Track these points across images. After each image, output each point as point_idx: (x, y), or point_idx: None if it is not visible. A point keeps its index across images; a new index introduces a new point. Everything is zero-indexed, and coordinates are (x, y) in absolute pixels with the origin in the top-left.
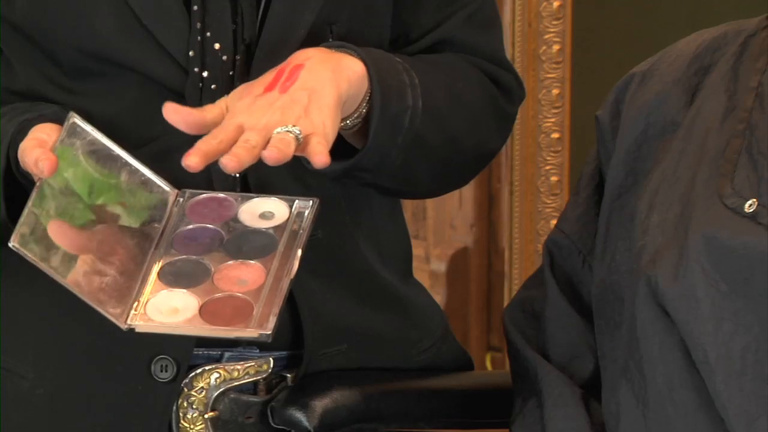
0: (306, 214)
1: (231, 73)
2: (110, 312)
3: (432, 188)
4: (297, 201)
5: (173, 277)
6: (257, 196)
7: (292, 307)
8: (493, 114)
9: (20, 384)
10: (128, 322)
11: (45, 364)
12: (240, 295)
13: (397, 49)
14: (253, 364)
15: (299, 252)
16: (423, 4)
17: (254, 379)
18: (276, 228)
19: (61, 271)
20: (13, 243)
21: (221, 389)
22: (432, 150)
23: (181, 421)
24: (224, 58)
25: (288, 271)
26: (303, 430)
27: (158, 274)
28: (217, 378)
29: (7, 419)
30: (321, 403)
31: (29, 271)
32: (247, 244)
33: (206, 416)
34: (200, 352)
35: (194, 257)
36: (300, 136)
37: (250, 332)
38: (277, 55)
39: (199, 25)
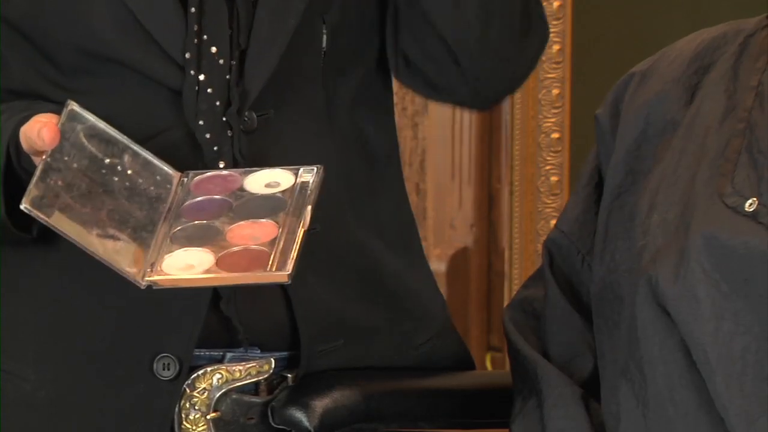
0: (311, 179)
1: (227, 76)
2: (127, 271)
3: (475, 33)
4: (301, 169)
5: (186, 240)
6: (261, 169)
7: (290, 307)
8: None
9: (22, 386)
10: (146, 279)
11: (46, 366)
12: (255, 247)
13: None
14: (254, 364)
15: (310, 207)
16: None
17: (255, 379)
18: (283, 192)
19: (75, 233)
20: (24, 204)
21: (223, 390)
22: None
23: (184, 423)
24: (221, 62)
25: (302, 223)
26: (303, 430)
27: (171, 238)
28: (219, 379)
29: (8, 422)
30: (321, 403)
31: (29, 272)
32: (257, 208)
33: (208, 417)
34: (202, 353)
35: (205, 222)
36: None
37: (269, 275)
38: (269, 51)
39: (196, 27)
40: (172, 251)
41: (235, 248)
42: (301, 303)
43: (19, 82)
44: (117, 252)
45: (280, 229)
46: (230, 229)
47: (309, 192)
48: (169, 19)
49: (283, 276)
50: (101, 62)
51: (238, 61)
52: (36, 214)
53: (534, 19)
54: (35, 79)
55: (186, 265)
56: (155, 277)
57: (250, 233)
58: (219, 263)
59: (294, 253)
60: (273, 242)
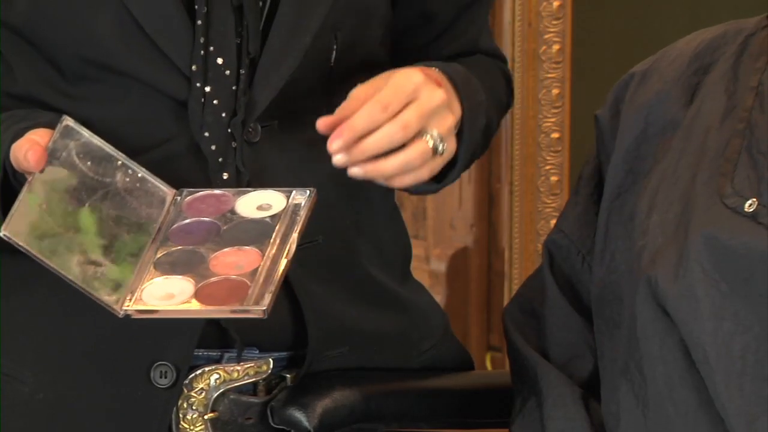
0: (303, 202)
1: (234, 87)
2: (105, 299)
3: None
4: (294, 192)
5: (170, 266)
6: (254, 190)
7: (293, 309)
8: (502, 115)
9: (20, 389)
10: (124, 308)
11: (44, 370)
12: (235, 277)
13: (417, 36)
14: (252, 364)
15: (296, 235)
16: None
17: (254, 379)
18: (273, 217)
19: (54, 260)
20: (4, 232)
21: (221, 390)
22: (473, 160)
23: (181, 422)
24: (227, 72)
25: (286, 253)
26: (303, 430)
27: (154, 264)
28: (216, 379)
29: (6, 424)
30: (321, 403)
31: (28, 276)
32: (244, 233)
33: (206, 417)
34: (200, 353)
35: (190, 247)
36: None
37: (245, 309)
38: (281, 65)
39: (202, 39)
40: (153, 279)
41: (215, 278)
42: (310, 310)
43: (22, 88)
44: (96, 279)
45: (264, 259)
46: (214, 257)
47: (298, 218)
48: (176, 30)
49: (259, 311)
50: (105, 71)
51: (247, 70)
52: (15, 242)
53: (497, 126)
54: (38, 86)
55: (166, 294)
56: (133, 307)
57: (234, 261)
58: (198, 293)
59: (273, 287)
60: (254, 273)
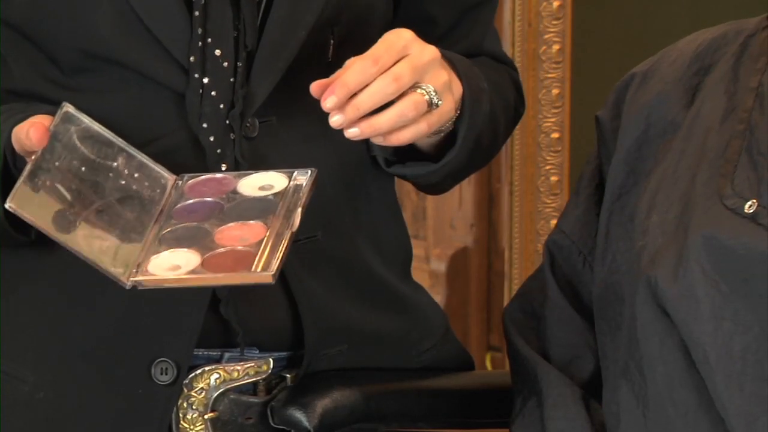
0: (305, 182)
1: (232, 80)
2: (112, 271)
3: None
4: (296, 172)
5: (175, 241)
6: (255, 172)
7: (292, 308)
8: (512, 120)
9: (20, 388)
10: (131, 279)
11: (44, 368)
12: (241, 248)
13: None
14: (252, 364)
15: (300, 210)
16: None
17: (254, 379)
18: (276, 194)
19: (61, 235)
20: (9, 204)
21: (221, 390)
22: (480, 153)
23: (181, 422)
24: (225, 64)
25: (290, 225)
26: (303, 430)
27: (159, 240)
28: (216, 378)
29: (7, 423)
30: (321, 403)
31: (29, 274)
32: (247, 210)
33: (206, 417)
34: (200, 353)
35: (194, 224)
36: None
37: (253, 276)
38: (277, 58)
39: (200, 30)
40: (159, 252)
41: (222, 249)
42: (307, 307)
43: (20, 83)
44: (103, 252)
45: (268, 231)
46: (219, 231)
47: (301, 194)
48: (174, 22)
49: (267, 276)
50: (104, 63)
51: (244, 63)
52: (21, 213)
53: (507, 132)
54: (35, 80)
55: (172, 265)
56: (140, 278)
57: (239, 234)
58: (205, 264)
59: (280, 254)
60: (260, 243)
